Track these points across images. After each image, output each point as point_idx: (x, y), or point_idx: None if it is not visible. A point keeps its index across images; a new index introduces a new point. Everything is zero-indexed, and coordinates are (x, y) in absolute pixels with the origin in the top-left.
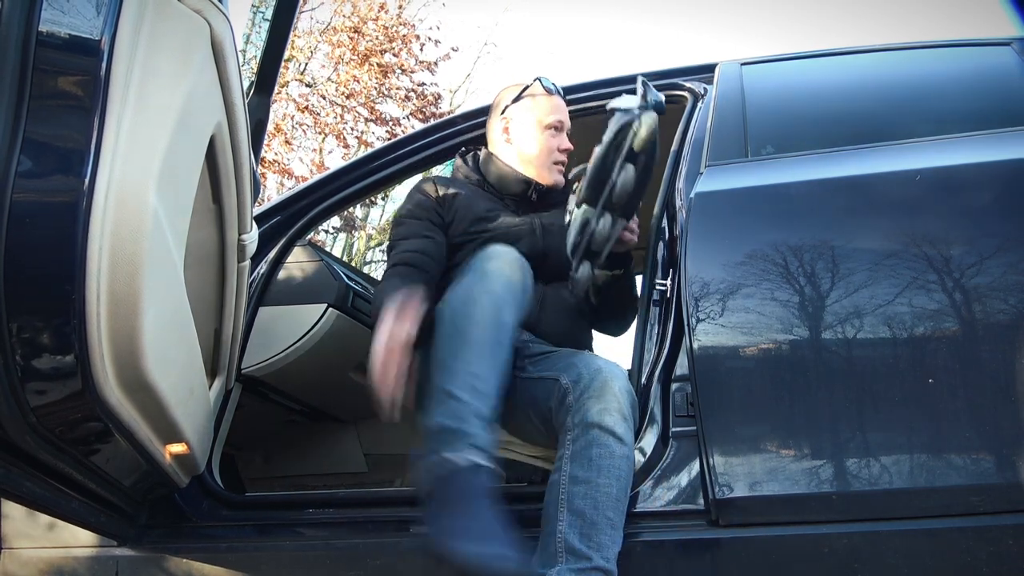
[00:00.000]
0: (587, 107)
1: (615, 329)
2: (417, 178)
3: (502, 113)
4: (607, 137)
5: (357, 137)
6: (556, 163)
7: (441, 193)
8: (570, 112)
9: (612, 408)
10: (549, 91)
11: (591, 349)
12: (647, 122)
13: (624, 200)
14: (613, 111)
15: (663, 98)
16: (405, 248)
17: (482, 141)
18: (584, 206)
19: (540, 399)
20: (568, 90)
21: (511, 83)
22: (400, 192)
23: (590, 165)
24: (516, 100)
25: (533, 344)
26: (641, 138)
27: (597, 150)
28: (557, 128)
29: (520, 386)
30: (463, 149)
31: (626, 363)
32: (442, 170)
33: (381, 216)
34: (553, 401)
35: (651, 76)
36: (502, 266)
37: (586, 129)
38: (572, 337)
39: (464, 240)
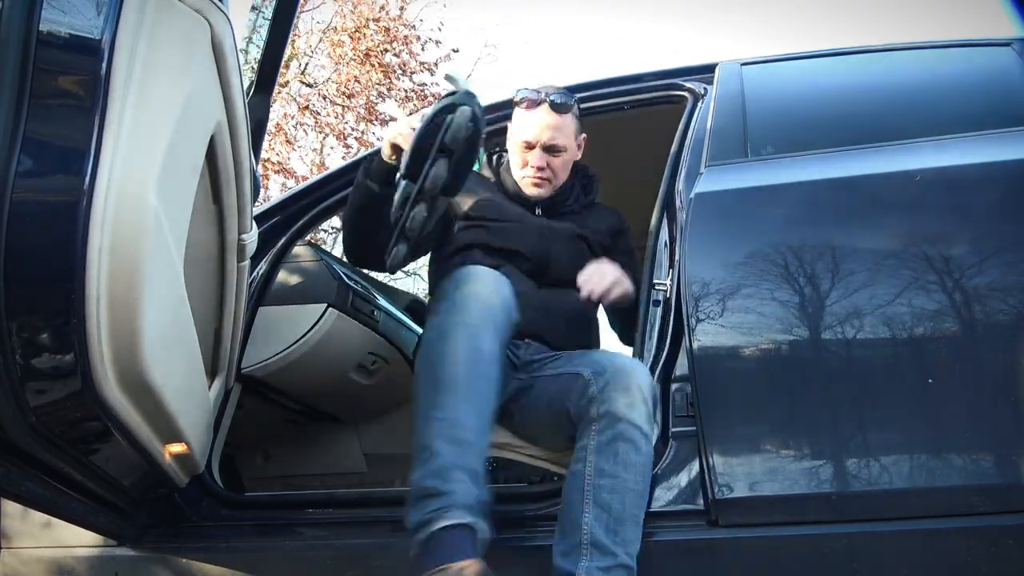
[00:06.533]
0: (589, 107)
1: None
2: None
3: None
4: (430, 110)
5: (357, 138)
6: (526, 178)
7: None
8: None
9: (638, 403)
10: (530, 103)
11: None
12: (461, 119)
13: (436, 192)
14: (447, 78)
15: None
16: None
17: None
18: (405, 181)
19: (557, 396)
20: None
21: (522, 87)
22: None
23: (411, 138)
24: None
25: (538, 352)
26: (453, 136)
27: (417, 122)
28: (527, 145)
29: (537, 386)
30: (493, 150)
31: None
32: None
33: None
34: (573, 395)
35: (651, 76)
36: (477, 290)
37: (587, 128)
38: (577, 342)
39: (466, 225)
